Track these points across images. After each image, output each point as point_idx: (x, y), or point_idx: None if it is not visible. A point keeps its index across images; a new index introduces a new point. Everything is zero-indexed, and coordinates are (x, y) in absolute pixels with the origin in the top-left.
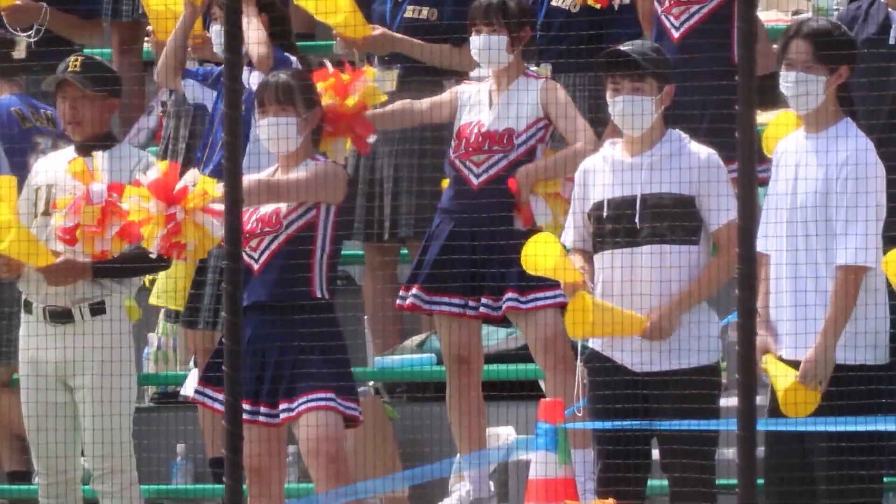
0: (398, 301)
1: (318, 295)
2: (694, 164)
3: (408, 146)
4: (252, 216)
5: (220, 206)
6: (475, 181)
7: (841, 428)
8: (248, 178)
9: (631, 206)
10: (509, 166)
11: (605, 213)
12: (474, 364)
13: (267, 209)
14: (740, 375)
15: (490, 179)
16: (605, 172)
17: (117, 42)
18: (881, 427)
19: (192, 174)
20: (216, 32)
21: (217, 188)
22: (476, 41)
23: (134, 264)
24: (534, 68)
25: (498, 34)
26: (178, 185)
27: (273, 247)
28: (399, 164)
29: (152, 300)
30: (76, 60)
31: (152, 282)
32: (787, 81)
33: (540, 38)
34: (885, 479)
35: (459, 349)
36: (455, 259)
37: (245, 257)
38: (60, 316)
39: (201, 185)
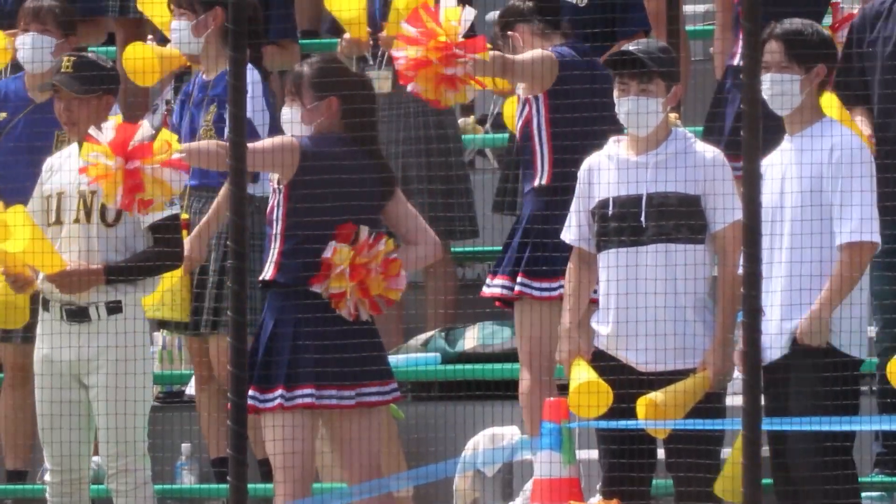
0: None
1: (264, 277)
2: (699, 163)
3: (413, 146)
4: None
5: (180, 156)
6: None
7: (846, 428)
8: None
9: (636, 204)
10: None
11: (609, 212)
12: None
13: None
14: (745, 374)
15: None
16: (609, 171)
17: (122, 40)
18: (886, 427)
19: (146, 128)
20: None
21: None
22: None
23: (146, 263)
24: None
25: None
26: (135, 141)
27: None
28: (407, 163)
29: (150, 314)
30: (68, 61)
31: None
32: (764, 83)
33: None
34: (886, 479)
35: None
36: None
37: None
38: (77, 314)
39: (162, 138)
